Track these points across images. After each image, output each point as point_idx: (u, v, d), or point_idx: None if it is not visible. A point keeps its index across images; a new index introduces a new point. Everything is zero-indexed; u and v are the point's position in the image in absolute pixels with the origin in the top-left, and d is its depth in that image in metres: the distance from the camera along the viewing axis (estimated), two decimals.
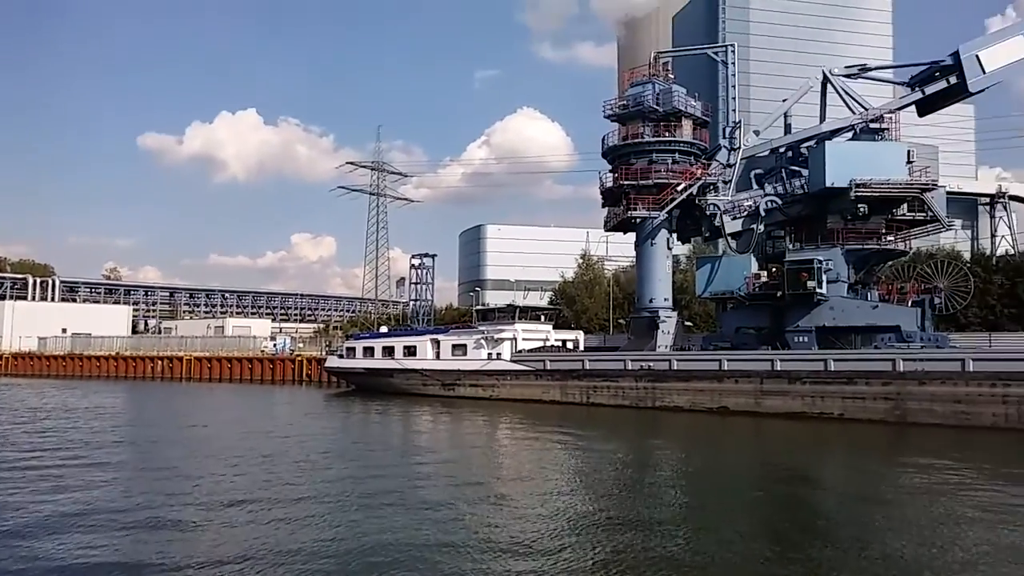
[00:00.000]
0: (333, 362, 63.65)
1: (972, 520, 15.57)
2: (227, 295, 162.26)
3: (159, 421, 38.38)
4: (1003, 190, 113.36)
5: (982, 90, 43.38)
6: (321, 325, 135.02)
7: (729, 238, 45.28)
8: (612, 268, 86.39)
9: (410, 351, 56.17)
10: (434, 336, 55.87)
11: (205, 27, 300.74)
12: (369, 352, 59.57)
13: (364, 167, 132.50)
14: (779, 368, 38.35)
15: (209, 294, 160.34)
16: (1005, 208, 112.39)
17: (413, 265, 66.36)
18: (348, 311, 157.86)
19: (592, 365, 46.04)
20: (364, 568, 11.96)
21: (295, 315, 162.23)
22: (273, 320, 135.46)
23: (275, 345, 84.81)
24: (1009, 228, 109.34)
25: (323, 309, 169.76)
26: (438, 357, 54.38)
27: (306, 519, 15.21)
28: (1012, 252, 70.89)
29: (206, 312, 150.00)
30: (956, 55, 41.51)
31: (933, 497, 18.20)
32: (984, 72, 41.34)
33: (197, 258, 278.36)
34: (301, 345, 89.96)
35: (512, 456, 26.56)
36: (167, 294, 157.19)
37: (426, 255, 65.90)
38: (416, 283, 66.30)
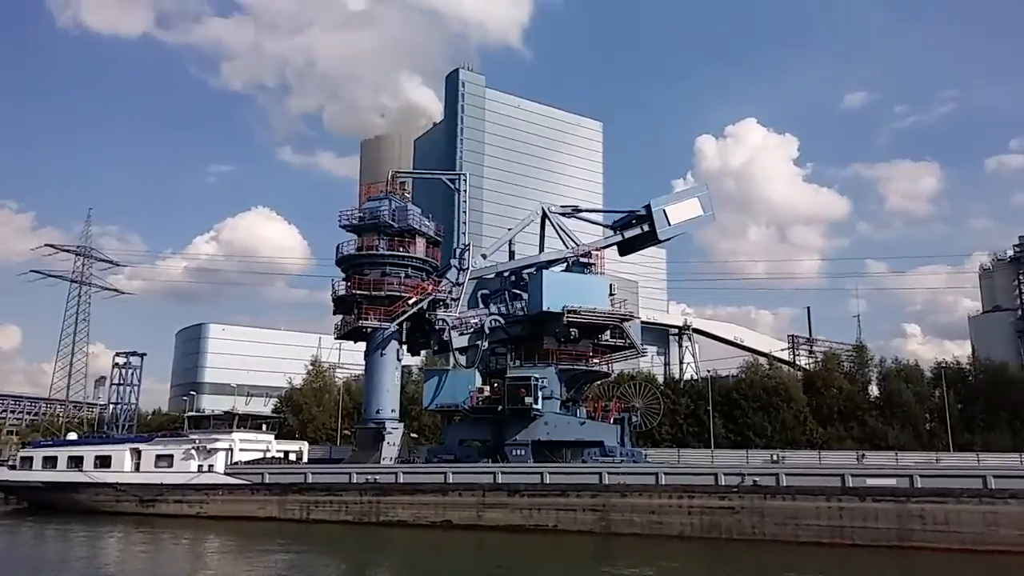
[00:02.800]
0: (2, 474, 53.96)
1: None
2: None
3: None
4: (688, 323, 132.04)
5: (669, 239, 51.51)
6: None
7: (456, 353, 47.26)
8: (344, 376, 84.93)
9: (103, 462, 49.48)
10: (135, 445, 50.05)
11: None
12: (50, 462, 51.40)
13: (67, 251, 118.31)
14: (500, 481, 39.77)
15: None
16: (690, 339, 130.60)
17: (117, 364, 59.75)
18: (29, 414, 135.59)
19: (315, 478, 44.11)
20: None
21: None
22: None
23: None
24: (693, 356, 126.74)
25: None
26: (138, 469, 48.57)
27: None
28: (695, 377, 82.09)
29: None
30: (648, 207, 48.98)
31: None
32: (669, 224, 49.15)
33: None
34: None
35: None
36: None
37: (133, 353, 59.86)
38: (119, 384, 59.59)
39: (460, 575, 26.30)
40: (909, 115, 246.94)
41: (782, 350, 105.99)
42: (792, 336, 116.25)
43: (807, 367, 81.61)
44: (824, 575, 25.87)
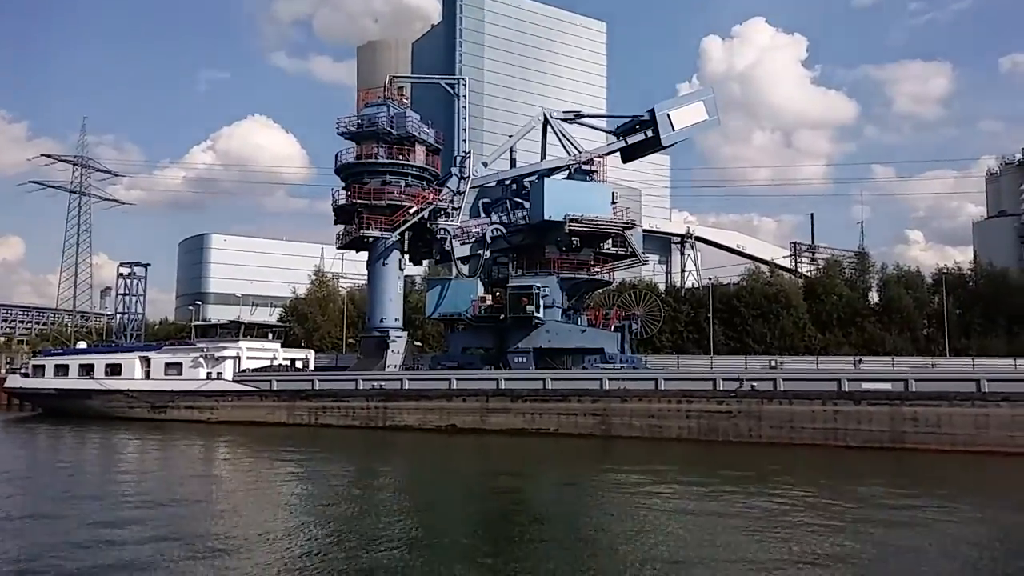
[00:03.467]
0: (15, 382, 55.29)
1: (652, 509, 18.03)
2: None
3: None
4: (691, 231, 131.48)
5: (672, 144, 50.62)
6: (1, 339, 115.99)
7: (458, 262, 47.34)
8: (347, 286, 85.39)
9: (114, 370, 50.60)
10: (144, 353, 50.97)
11: None
12: (62, 370, 52.59)
13: (65, 161, 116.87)
14: (503, 387, 40.73)
15: None
16: (692, 247, 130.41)
17: (121, 274, 60.05)
18: (38, 323, 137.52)
19: (322, 385, 45.13)
20: None
21: None
22: None
23: None
24: (695, 264, 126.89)
25: (5, 320, 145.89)
26: (148, 376, 49.65)
27: None
28: (696, 286, 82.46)
29: None
30: (652, 112, 47.86)
31: (629, 496, 20.75)
32: (673, 129, 48.17)
33: None
34: None
35: (233, 483, 25.13)
36: None
37: (137, 264, 60.05)
38: (124, 294, 60.08)
39: (466, 475, 27.19)
40: (925, 12, 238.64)
41: (784, 257, 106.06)
42: (794, 243, 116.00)
43: (808, 274, 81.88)
44: (817, 472, 26.70)
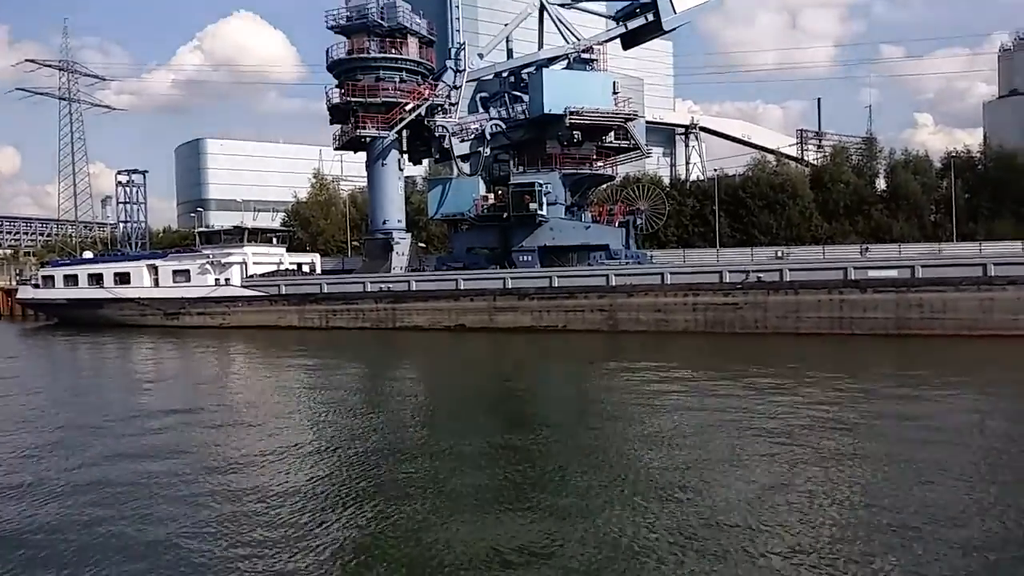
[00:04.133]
0: (27, 293, 55.98)
1: (659, 399, 18.48)
2: None
3: None
4: (695, 121, 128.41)
5: (674, 29, 48.73)
6: (8, 251, 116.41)
7: (458, 160, 46.62)
8: (348, 188, 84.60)
9: (123, 278, 51.06)
10: (151, 261, 51.24)
11: None
12: (71, 280, 53.09)
13: (50, 66, 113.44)
14: (510, 286, 41.03)
15: None
16: (696, 138, 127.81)
17: (120, 182, 59.57)
18: (41, 235, 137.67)
19: (331, 288, 45.50)
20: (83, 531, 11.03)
21: None
22: None
23: None
24: (700, 156, 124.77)
25: (9, 232, 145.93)
26: (156, 284, 50.09)
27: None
28: (701, 178, 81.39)
29: None
30: None
31: (636, 385, 21.19)
32: (675, 11, 46.35)
33: None
34: None
35: (258, 383, 25.72)
36: None
37: (135, 171, 59.43)
38: (125, 202, 59.82)
39: (479, 370, 27.80)
40: None
41: (790, 146, 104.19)
42: (801, 131, 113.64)
43: (815, 163, 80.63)
44: (821, 358, 27.15)
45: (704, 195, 62.29)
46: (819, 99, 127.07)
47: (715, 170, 65.21)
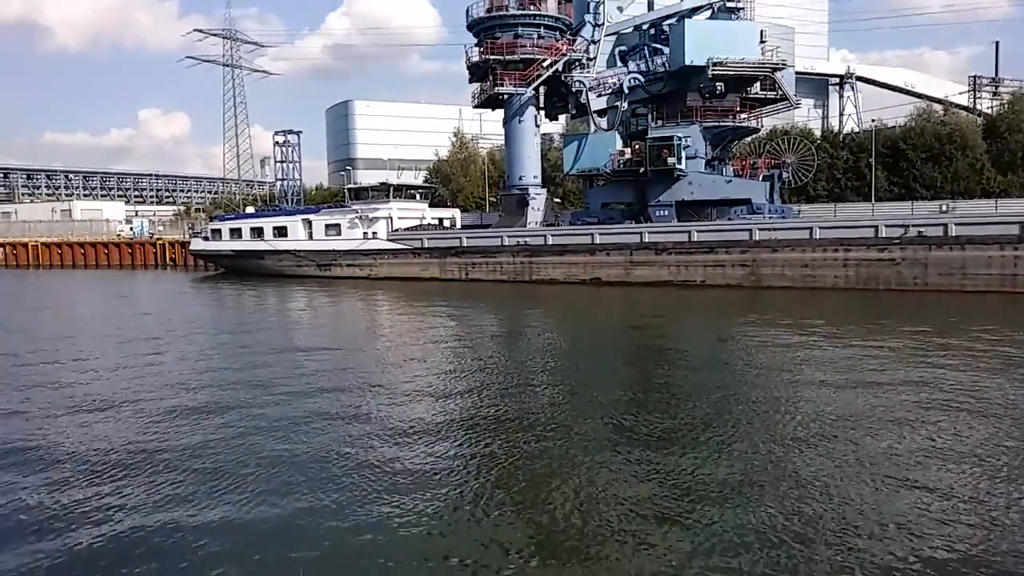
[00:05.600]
0: (198, 245, 61.25)
1: (802, 362, 17.94)
2: (71, 176, 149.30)
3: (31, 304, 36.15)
4: (851, 71, 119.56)
5: None
6: (181, 207, 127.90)
7: (595, 115, 46.15)
8: (487, 146, 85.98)
9: (280, 232, 54.85)
10: (306, 216, 54.65)
11: None
12: (236, 234, 57.66)
13: (215, 35, 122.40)
14: (647, 240, 40.58)
15: (50, 175, 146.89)
16: (852, 88, 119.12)
17: (277, 143, 63.41)
18: (209, 192, 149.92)
19: (470, 242, 46.84)
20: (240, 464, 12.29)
21: (151, 197, 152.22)
22: (127, 203, 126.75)
23: (132, 228, 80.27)
24: (855, 107, 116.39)
25: (182, 190, 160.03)
26: (311, 237, 53.48)
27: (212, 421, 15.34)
28: (857, 130, 76.15)
29: (48, 195, 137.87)
30: None
31: (776, 346, 20.62)
32: None
33: (29, 136, 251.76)
34: (161, 228, 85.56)
35: (407, 331, 27.23)
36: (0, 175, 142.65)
37: (290, 132, 63.02)
38: (282, 161, 63.68)
39: (613, 324, 27.90)
40: None
41: (960, 94, 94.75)
42: (974, 77, 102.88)
43: (989, 111, 73.14)
44: (988, 319, 25.06)
45: (859, 148, 58.32)
46: (997, 42, 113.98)
47: (872, 120, 60.54)
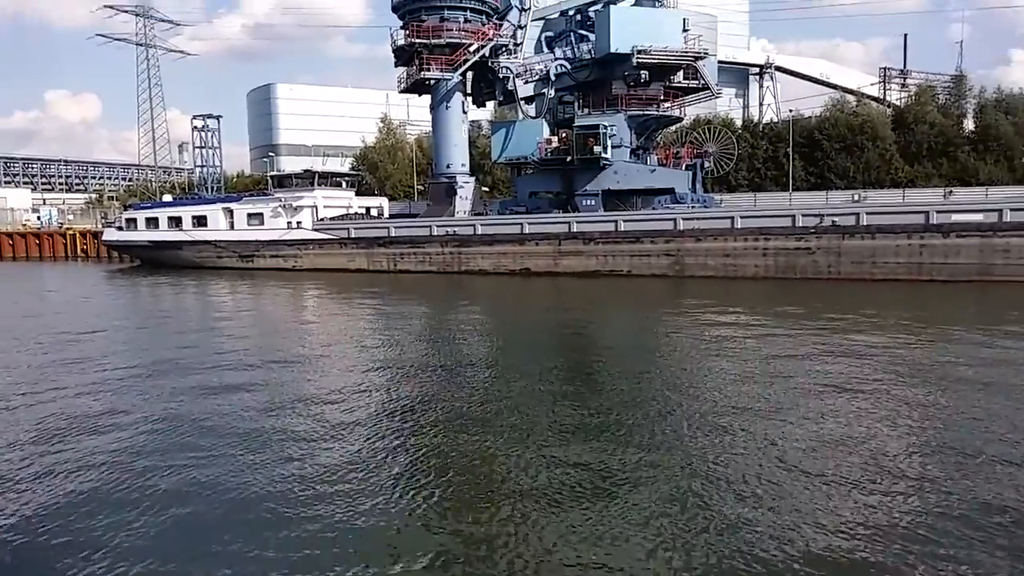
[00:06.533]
0: (112, 235, 58.61)
1: (723, 344, 18.36)
2: None
3: None
4: (770, 61, 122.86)
5: None
6: (93, 195, 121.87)
7: (523, 103, 46.07)
8: (415, 133, 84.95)
9: (200, 221, 52.92)
10: (227, 205, 52.87)
11: None
12: (153, 223, 55.36)
13: (127, 12, 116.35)
14: (575, 230, 40.85)
15: None
16: (771, 78, 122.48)
17: (195, 127, 61.22)
18: (123, 179, 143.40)
19: (398, 232, 46.18)
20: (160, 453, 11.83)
21: (60, 184, 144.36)
22: (33, 190, 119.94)
23: (39, 218, 76.21)
24: (774, 97, 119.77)
25: (93, 177, 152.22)
26: (232, 227, 51.76)
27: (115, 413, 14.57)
28: (775, 119, 78.42)
29: None
30: None
31: (700, 329, 21.05)
32: None
33: None
34: (71, 217, 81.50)
35: (332, 324, 26.61)
36: None
37: (210, 116, 60.92)
38: (201, 147, 61.57)
39: (541, 313, 27.99)
40: None
41: (871, 85, 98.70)
42: (884, 69, 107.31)
43: (898, 103, 76.49)
44: (897, 304, 26.23)
45: (778, 137, 60.16)
46: (905, 35, 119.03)
47: (790, 111, 62.46)
